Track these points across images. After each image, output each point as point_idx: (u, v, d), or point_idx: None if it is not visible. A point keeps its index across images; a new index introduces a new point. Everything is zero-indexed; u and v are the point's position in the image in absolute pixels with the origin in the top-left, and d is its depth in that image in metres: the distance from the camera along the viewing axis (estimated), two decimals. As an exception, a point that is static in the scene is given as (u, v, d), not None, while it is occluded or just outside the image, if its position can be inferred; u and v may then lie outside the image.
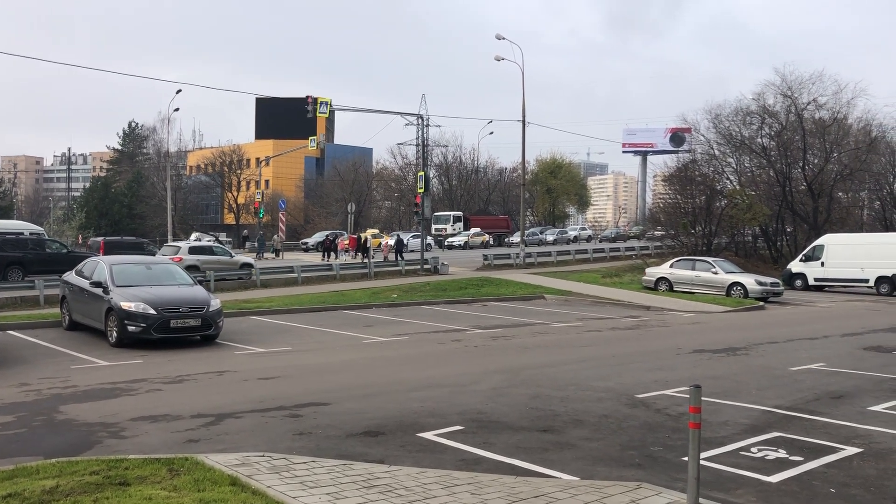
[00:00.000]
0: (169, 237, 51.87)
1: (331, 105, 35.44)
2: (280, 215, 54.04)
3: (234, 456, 6.87)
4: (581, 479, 6.52)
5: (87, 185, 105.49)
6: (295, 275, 29.80)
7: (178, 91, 50.02)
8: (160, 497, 5.57)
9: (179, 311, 14.43)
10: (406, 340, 15.97)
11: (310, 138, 51.66)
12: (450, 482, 6.25)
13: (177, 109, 76.80)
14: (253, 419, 8.71)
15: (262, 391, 10.36)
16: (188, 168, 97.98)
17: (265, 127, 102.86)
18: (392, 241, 41.25)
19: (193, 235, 57.05)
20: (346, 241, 46.31)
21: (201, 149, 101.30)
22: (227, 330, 16.03)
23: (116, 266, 15.76)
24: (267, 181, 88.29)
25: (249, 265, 31.44)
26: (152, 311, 14.12)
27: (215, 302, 15.27)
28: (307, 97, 36.45)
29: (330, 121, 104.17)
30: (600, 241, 64.16)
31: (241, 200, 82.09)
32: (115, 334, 14.31)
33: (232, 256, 32.03)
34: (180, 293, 15.11)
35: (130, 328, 14.09)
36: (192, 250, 30.56)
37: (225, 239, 61.17)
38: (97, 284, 15.17)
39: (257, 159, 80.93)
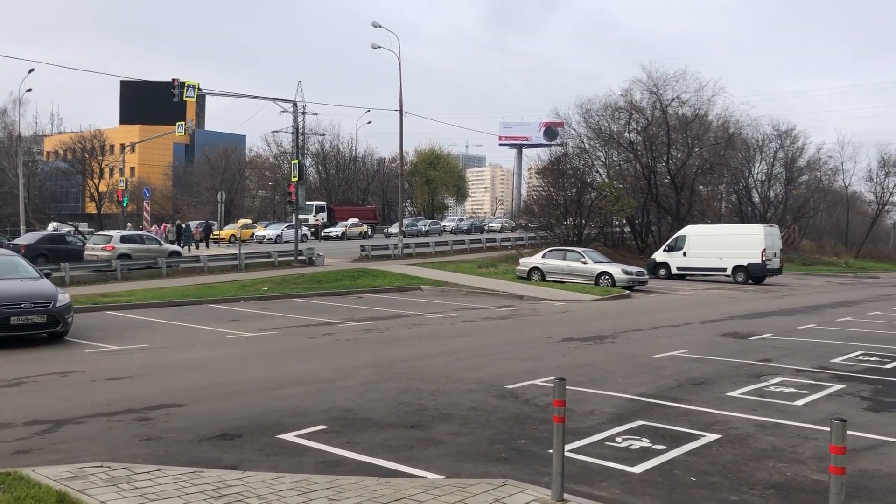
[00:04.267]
0: (21, 227, 48.27)
1: (198, 88, 33.76)
2: (144, 204, 51.33)
3: (66, 468, 6.20)
4: (446, 477, 6.29)
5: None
6: (159, 266, 28.34)
7: (31, 70, 46.63)
8: (-30, 521, 4.90)
9: (21, 308, 13.22)
10: (274, 335, 15.35)
11: (177, 123, 49.27)
12: (307, 488, 5.86)
13: (29, 90, 71.51)
14: (96, 424, 7.98)
15: (110, 393, 9.57)
16: (45, 153, 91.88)
17: (131, 111, 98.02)
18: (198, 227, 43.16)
19: (51, 226, 53.42)
20: (162, 229, 45.87)
21: (60, 133, 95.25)
22: (79, 326, 14.93)
23: (-52, 258, 14.28)
24: (132, 168, 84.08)
25: (178, 253, 32.79)
26: (-11, 308, 12.86)
27: (63, 296, 14.12)
28: (173, 80, 34.60)
29: (200, 106, 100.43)
30: (454, 233, 64.96)
31: (103, 188, 77.65)
32: (-55, 334, 12.95)
33: (161, 245, 32.81)
34: (23, 287, 13.87)
35: (-37, 327, 12.78)
36: (124, 239, 31.29)
37: (86, 229, 57.57)
38: (-75, 279, 13.68)
39: (122, 145, 76.76)
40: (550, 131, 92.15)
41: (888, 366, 12.36)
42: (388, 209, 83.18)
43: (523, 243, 46.17)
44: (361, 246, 39.70)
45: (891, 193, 77.86)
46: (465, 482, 6.05)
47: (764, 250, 33.54)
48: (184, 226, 46.57)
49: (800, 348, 14.19)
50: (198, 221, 51.16)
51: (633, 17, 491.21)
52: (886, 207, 79.38)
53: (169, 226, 48.57)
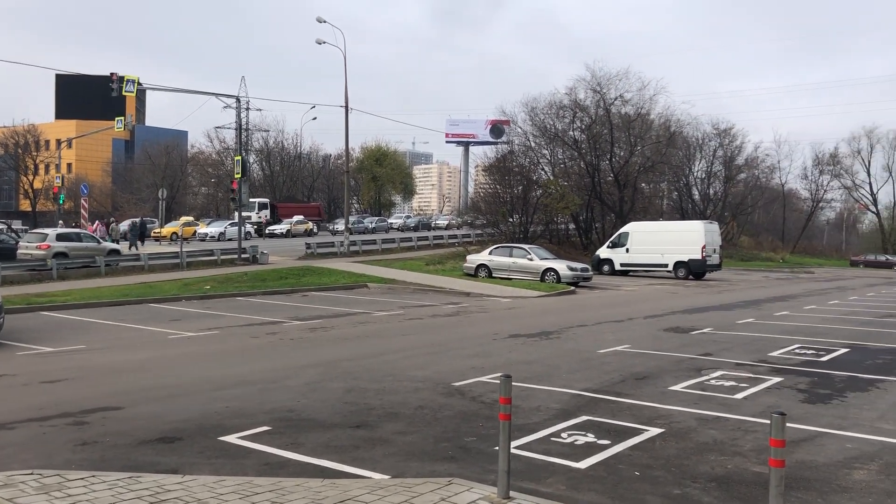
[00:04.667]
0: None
1: (138, 83, 32.98)
2: (82, 201, 49.86)
3: (-5, 476, 5.95)
4: (392, 477, 6.23)
5: None
6: (97, 265, 27.56)
7: (-41, 62, 44.77)
8: None
9: (-52, 309, 12.69)
10: (217, 335, 15.04)
11: (116, 119, 48.01)
12: (249, 491, 5.74)
13: (-43, 82, 68.86)
14: (28, 430, 7.68)
15: (44, 397, 9.24)
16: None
17: (67, 106, 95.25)
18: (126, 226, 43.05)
19: (-19, 224, 51.55)
20: (93, 227, 44.71)
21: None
22: (10, 328, 14.41)
23: None
24: (69, 164, 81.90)
25: (117, 251, 31.74)
26: (-87, 310, 12.31)
27: (-6, 297, 13.60)
28: (112, 74, 33.72)
29: (141, 101, 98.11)
30: (401, 230, 65.18)
31: (38, 185, 75.27)
32: None
33: (99, 243, 31.80)
34: (-50, 288, 13.31)
35: None
36: (60, 237, 30.05)
37: (20, 227, 55.68)
38: None
39: (58, 140, 74.52)
40: (497, 129, 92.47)
41: (824, 358, 12.73)
42: (334, 206, 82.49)
43: (470, 240, 46.30)
44: (307, 244, 39.28)
45: (825, 191, 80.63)
46: (411, 482, 6.00)
47: (704, 246, 34.27)
48: (123, 224, 45.47)
49: (739, 342, 14.52)
50: (136, 219, 49.84)
51: (577, 17, 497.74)
52: (821, 204, 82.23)
53: (113, 224, 47.21)
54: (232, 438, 7.36)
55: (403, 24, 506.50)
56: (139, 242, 41.71)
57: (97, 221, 47.86)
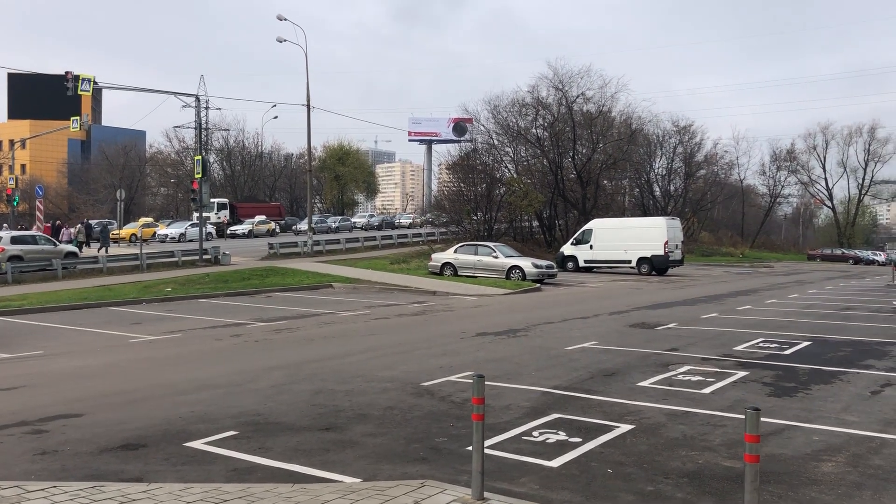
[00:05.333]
0: None
1: (94, 82, 32.29)
2: (37, 203, 48.74)
3: (-51, 490, 5.72)
4: (363, 480, 6.13)
5: None
6: (54, 268, 26.94)
7: None
8: None
9: None
10: (179, 338, 14.77)
11: (72, 118, 46.98)
12: (217, 498, 5.59)
13: None
14: (-16, 440, 7.43)
15: (0, 405, 8.95)
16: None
17: (20, 105, 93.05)
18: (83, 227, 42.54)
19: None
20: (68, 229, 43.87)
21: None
22: (-37, 334, 13.97)
23: None
24: (23, 165, 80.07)
25: (74, 254, 31.32)
26: None
27: (-54, 303, 13.17)
28: (67, 73, 32.97)
29: (97, 100, 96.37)
30: (365, 230, 65.00)
31: (-10, 187, 73.37)
32: None
33: (56, 246, 31.21)
34: None
35: None
36: (14, 240, 29.40)
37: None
38: None
39: (11, 141, 72.70)
40: (459, 127, 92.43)
41: (787, 352, 12.91)
42: (297, 206, 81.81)
43: (434, 239, 46.24)
44: (269, 244, 38.90)
45: (782, 187, 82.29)
46: (383, 485, 5.91)
47: (666, 242, 34.62)
48: (93, 224, 44.42)
49: (704, 337, 14.66)
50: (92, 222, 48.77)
51: (536, 16, 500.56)
52: (778, 200, 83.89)
53: (79, 225, 46.11)
54: (198, 444, 7.19)
55: (364, 23, 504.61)
56: (86, 246, 40.75)
57: (55, 223, 46.74)
